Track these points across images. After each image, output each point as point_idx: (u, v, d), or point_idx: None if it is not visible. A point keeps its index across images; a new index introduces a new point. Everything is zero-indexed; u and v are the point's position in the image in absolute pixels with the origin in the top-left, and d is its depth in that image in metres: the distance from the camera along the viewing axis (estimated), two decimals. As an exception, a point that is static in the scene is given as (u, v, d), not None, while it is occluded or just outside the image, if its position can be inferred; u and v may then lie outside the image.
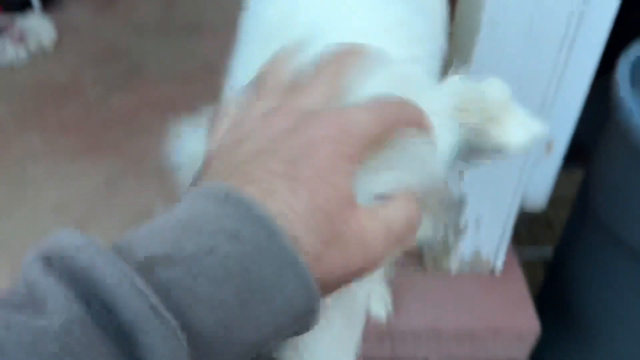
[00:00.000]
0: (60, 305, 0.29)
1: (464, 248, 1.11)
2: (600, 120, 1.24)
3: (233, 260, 0.32)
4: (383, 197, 0.42)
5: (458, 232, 1.08)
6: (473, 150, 0.49)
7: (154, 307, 0.29)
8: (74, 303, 0.29)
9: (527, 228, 2.03)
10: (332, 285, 0.37)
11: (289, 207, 0.35)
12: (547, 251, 1.74)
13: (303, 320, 0.36)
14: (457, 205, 1.04)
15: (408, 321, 1.10)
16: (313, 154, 0.37)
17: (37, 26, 1.82)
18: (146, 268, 0.31)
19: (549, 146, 1.03)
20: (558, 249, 1.48)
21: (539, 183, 1.07)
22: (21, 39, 1.79)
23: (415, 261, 1.18)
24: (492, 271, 1.16)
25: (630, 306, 1.18)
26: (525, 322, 1.13)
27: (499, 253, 1.12)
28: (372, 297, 1.08)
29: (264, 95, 0.45)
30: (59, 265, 0.31)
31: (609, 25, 0.97)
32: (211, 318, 0.32)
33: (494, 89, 0.48)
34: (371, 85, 0.44)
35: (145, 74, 1.80)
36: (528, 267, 1.25)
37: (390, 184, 0.43)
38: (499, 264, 1.15)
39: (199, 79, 1.81)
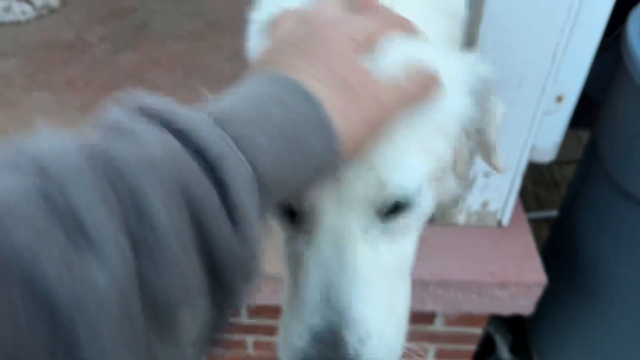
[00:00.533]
0: (158, 140, 0.34)
1: (472, 200, 1.12)
2: (608, 80, 1.23)
3: (282, 122, 0.40)
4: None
5: (467, 184, 1.08)
6: None
7: (233, 149, 0.37)
8: (168, 138, 0.35)
9: (533, 188, 2.04)
10: (356, 136, 0.45)
11: (316, 79, 0.44)
12: (554, 213, 1.75)
13: (324, 173, 0.45)
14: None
15: (416, 272, 1.11)
16: (330, 44, 0.47)
17: (43, -17, 1.81)
18: (217, 122, 0.38)
19: (559, 98, 1.02)
20: (564, 204, 1.49)
21: (548, 135, 1.06)
22: (26, -4, 1.78)
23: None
24: (500, 223, 1.16)
25: (637, 258, 1.19)
26: (531, 274, 1.14)
27: (507, 205, 1.13)
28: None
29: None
30: (145, 113, 0.36)
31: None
32: (268, 163, 0.39)
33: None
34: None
35: (152, 32, 1.79)
36: (534, 226, 1.26)
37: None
38: (507, 216, 1.15)
39: (204, 36, 1.80)
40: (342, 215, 0.50)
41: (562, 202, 1.53)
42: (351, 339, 0.48)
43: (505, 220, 1.17)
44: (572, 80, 1.01)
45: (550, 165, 2.08)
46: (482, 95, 0.56)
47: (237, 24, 1.94)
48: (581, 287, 1.34)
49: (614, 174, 1.18)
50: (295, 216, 0.52)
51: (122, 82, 1.59)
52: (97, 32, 1.79)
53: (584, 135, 1.40)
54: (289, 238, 0.54)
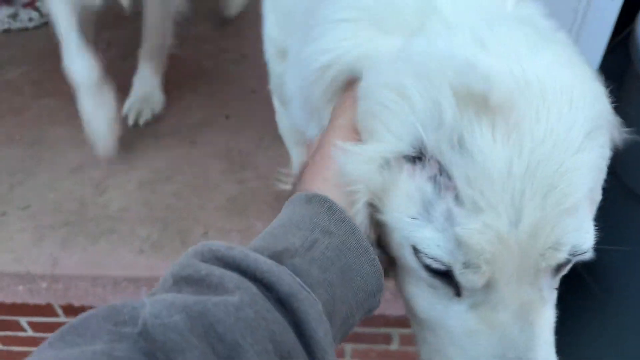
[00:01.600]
0: (238, 286, 0.38)
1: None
2: (616, 80, 1.22)
3: (330, 251, 0.44)
4: None
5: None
6: None
7: (299, 283, 0.40)
8: (247, 283, 0.39)
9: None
10: None
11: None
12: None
13: (373, 297, 0.47)
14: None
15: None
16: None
17: (49, -10, 1.82)
18: (276, 259, 0.42)
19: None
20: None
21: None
22: (33, 3, 1.79)
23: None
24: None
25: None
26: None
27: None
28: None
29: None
30: (218, 260, 0.41)
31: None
32: (324, 295, 0.42)
33: None
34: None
35: (158, 37, 1.80)
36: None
37: None
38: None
39: (210, 39, 1.80)
40: (522, 287, 0.47)
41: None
42: None
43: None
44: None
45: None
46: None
47: (242, 28, 1.93)
48: (584, 284, 1.32)
49: (621, 173, 1.17)
50: (452, 282, 0.49)
51: (130, 88, 1.60)
52: (104, 37, 1.79)
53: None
54: (437, 307, 0.51)
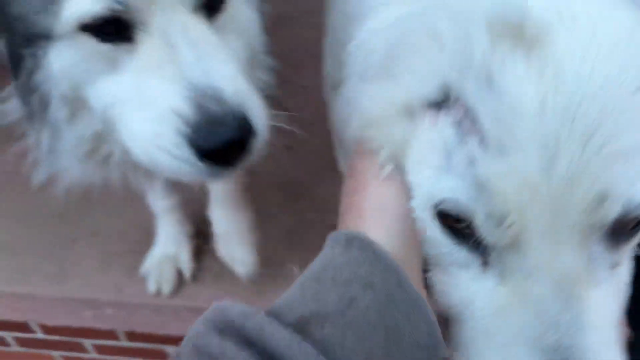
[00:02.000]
0: None
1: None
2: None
3: (372, 311, 0.37)
4: None
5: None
6: None
7: None
8: None
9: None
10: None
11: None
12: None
13: (429, 354, 0.39)
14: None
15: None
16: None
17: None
18: (301, 328, 0.36)
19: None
20: None
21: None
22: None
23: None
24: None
25: None
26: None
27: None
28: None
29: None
30: (233, 332, 0.36)
31: None
32: None
33: None
34: None
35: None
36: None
37: None
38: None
39: (272, 70, 1.83)
40: (561, 249, 0.38)
41: None
42: None
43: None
44: None
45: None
46: None
47: (304, 58, 1.96)
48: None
49: None
50: (479, 248, 0.42)
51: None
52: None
53: None
54: (465, 288, 0.43)
